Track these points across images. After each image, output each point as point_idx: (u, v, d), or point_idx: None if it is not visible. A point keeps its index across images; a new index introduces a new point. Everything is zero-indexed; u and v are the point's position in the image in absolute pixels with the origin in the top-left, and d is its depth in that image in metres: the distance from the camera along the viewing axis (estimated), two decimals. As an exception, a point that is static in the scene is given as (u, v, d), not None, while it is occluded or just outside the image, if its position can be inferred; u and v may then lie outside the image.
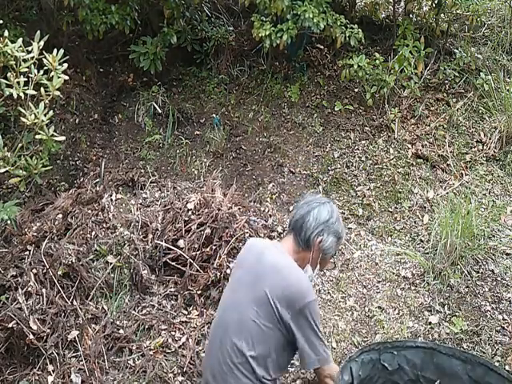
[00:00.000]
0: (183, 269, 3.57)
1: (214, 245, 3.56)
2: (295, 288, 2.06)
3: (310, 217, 2.11)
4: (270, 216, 4.07)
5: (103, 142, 4.85)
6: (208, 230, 3.57)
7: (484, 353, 3.17)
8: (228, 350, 2.07)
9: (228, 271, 3.44)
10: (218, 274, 3.46)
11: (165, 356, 3.22)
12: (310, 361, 2.05)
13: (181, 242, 3.61)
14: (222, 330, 2.17)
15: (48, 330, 3.19)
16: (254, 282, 2.11)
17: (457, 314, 3.39)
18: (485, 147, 4.65)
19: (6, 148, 2.86)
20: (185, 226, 3.65)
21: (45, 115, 2.82)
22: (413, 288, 3.60)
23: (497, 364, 3.11)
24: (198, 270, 3.52)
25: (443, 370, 1.90)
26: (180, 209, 3.79)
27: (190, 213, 3.72)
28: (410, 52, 4.75)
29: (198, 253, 3.55)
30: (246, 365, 2.02)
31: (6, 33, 2.81)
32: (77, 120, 4.86)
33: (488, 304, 3.44)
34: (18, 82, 2.78)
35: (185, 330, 3.35)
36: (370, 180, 4.43)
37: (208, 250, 3.54)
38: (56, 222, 3.74)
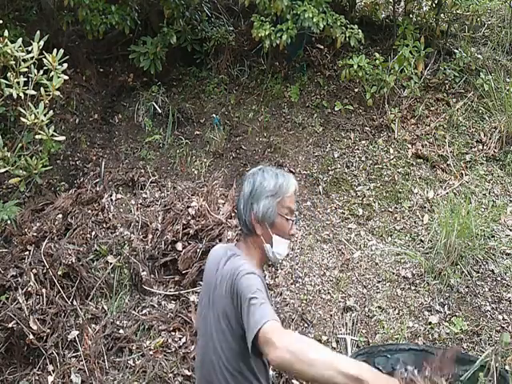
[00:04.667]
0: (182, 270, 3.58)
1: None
2: (231, 275, 1.77)
3: (239, 201, 1.90)
4: (270, 216, 4.06)
5: (103, 141, 4.85)
6: (203, 246, 3.57)
7: (484, 353, 3.16)
8: None
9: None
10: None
11: (165, 356, 3.22)
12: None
13: (179, 245, 3.61)
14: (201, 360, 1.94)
15: (48, 330, 3.20)
16: (211, 301, 1.87)
17: (457, 314, 3.39)
18: (485, 147, 4.65)
19: (5, 148, 2.86)
20: (183, 230, 3.66)
21: (45, 115, 2.82)
22: (413, 288, 3.60)
23: (497, 364, 3.11)
24: (196, 276, 3.53)
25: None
26: (180, 210, 3.80)
27: (189, 217, 3.72)
28: (410, 52, 4.75)
29: (194, 264, 3.57)
30: None
31: (6, 33, 2.81)
32: (77, 120, 4.86)
33: (488, 304, 3.44)
34: (18, 82, 2.78)
35: (184, 330, 3.35)
36: (369, 180, 4.43)
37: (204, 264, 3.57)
38: (56, 222, 3.74)
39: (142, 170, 4.48)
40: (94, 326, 3.35)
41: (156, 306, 3.50)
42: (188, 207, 3.81)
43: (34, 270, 3.38)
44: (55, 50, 2.88)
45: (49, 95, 2.87)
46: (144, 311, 3.46)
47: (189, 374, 3.14)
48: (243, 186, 1.91)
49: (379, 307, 3.49)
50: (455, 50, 5.26)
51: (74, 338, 3.25)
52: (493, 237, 3.84)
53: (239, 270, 1.75)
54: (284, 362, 1.45)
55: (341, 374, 1.39)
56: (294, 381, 3.08)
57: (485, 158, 4.57)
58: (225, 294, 1.77)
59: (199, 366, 1.94)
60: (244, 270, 1.75)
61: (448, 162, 4.54)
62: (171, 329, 3.35)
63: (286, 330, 1.53)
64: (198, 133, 4.94)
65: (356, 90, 5.10)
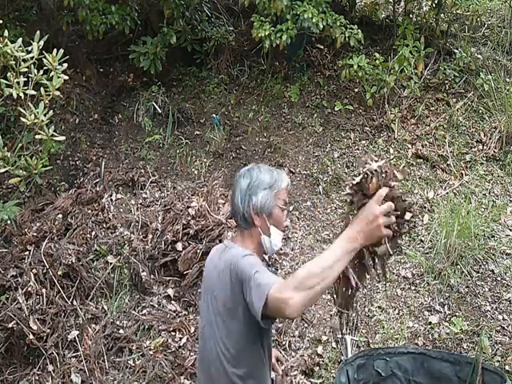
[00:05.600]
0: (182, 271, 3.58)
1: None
2: (229, 261, 1.82)
3: (235, 196, 1.96)
4: (270, 216, 4.06)
5: (103, 141, 4.85)
6: (203, 247, 3.58)
7: (484, 353, 3.17)
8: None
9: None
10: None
11: (165, 356, 3.22)
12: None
13: (179, 245, 3.61)
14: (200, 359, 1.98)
15: (48, 330, 3.20)
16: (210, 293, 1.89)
17: (457, 313, 3.39)
18: (485, 147, 4.65)
19: (5, 148, 2.86)
20: (183, 230, 3.66)
21: (45, 115, 2.82)
22: (413, 288, 3.60)
23: (497, 364, 3.11)
24: (196, 277, 3.54)
25: (433, 373, 1.93)
26: (180, 210, 3.80)
27: (189, 217, 3.72)
28: (410, 52, 4.75)
29: (195, 265, 3.57)
30: None
31: (6, 33, 2.81)
32: (77, 120, 4.86)
33: (488, 304, 3.44)
34: (18, 82, 2.78)
35: (184, 331, 3.35)
36: (369, 180, 4.42)
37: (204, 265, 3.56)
38: (56, 222, 3.74)
39: (142, 170, 4.48)
40: (94, 325, 3.35)
41: (156, 306, 3.50)
42: (188, 207, 3.81)
43: (34, 270, 3.38)
44: (55, 50, 2.88)
45: (49, 95, 2.86)
46: (144, 311, 3.46)
47: (189, 372, 3.14)
48: (239, 182, 1.97)
49: (379, 307, 3.49)
50: (455, 50, 5.26)
51: (74, 338, 3.25)
52: (493, 237, 3.84)
53: (236, 256, 1.80)
54: (301, 305, 1.48)
55: (341, 260, 1.46)
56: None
57: (485, 158, 4.57)
58: (224, 284, 1.80)
59: (200, 363, 1.96)
60: (240, 253, 1.80)
61: (448, 162, 4.54)
62: (171, 329, 3.35)
63: (286, 281, 1.55)
64: (198, 133, 4.94)
65: (356, 90, 5.09)
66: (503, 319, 3.35)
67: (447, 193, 4.28)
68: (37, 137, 2.88)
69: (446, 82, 5.15)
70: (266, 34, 4.54)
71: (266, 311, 1.58)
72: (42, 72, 2.86)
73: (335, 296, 1.58)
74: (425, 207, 4.20)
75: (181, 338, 3.31)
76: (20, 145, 3.02)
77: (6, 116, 4.32)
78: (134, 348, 3.27)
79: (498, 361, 3.14)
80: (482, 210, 4.12)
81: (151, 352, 3.23)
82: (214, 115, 4.95)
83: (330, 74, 5.29)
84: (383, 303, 3.51)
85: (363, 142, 4.72)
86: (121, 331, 3.33)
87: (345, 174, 4.48)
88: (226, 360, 1.81)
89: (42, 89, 2.86)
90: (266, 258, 3.72)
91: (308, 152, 4.69)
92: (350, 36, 4.64)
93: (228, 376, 1.81)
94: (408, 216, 1.49)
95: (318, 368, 3.20)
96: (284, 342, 3.31)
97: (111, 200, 4.03)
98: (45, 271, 3.39)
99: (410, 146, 4.65)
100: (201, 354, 1.96)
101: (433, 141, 4.71)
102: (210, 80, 5.31)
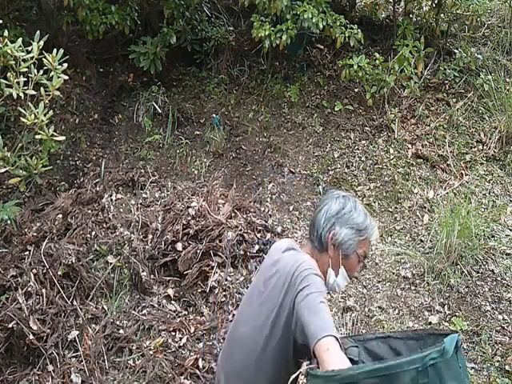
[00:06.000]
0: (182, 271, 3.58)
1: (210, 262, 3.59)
2: (293, 268, 1.79)
3: (320, 215, 1.90)
4: (270, 216, 4.07)
5: (103, 141, 4.85)
6: (203, 247, 3.58)
7: (484, 353, 3.17)
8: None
9: (225, 282, 3.49)
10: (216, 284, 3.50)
11: (165, 356, 3.22)
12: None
13: (179, 245, 3.61)
14: (232, 347, 1.98)
15: (48, 330, 3.19)
16: (263, 291, 1.89)
17: (457, 314, 3.39)
18: (485, 147, 4.65)
19: (5, 148, 2.86)
20: (183, 230, 3.66)
21: (45, 115, 2.82)
22: (413, 288, 3.60)
23: (497, 364, 3.11)
24: (196, 277, 3.54)
25: (400, 352, 1.93)
26: (180, 210, 3.80)
27: (189, 217, 3.72)
28: (410, 52, 4.75)
29: (194, 265, 3.58)
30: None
31: (6, 33, 2.81)
32: (77, 120, 4.86)
33: (488, 304, 3.44)
34: (18, 82, 2.78)
35: (184, 331, 3.35)
36: (369, 180, 4.43)
37: (204, 265, 3.58)
38: (56, 222, 3.74)
39: (142, 170, 4.48)
40: (94, 325, 3.35)
41: (156, 306, 3.50)
42: (188, 207, 3.81)
43: (34, 270, 3.38)
44: (55, 50, 2.88)
45: (49, 95, 2.87)
46: (144, 311, 3.46)
47: (189, 372, 3.14)
48: (328, 201, 1.92)
49: (379, 307, 3.49)
50: (455, 50, 5.27)
51: (74, 338, 3.25)
52: (493, 237, 3.85)
53: (308, 268, 1.75)
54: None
55: None
56: None
57: (485, 158, 4.57)
58: (277, 285, 1.79)
59: (230, 353, 1.96)
60: (312, 268, 1.76)
61: (448, 162, 4.54)
62: (171, 329, 3.35)
63: (338, 355, 1.55)
64: (198, 133, 4.94)
65: (356, 89, 5.10)
66: (503, 319, 3.35)
67: (447, 193, 4.28)
68: (37, 137, 2.88)
69: (446, 82, 5.15)
70: (266, 33, 4.54)
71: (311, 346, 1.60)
72: (41, 72, 2.86)
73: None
74: (425, 207, 4.20)
75: (181, 338, 3.31)
76: (20, 145, 3.02)
77: (6, 116, 4.32)
78: (133, 348, 3.27)
79: (498, 361, 3.14)
80: (482, 210, 4.12)
81: (151, 352, 3.23)
82: (214, 115, 4.95)
83: (330, 73, 5.29)
84: (383, 303, 3.51)
85: (363, 141, 4.72)
86: (121, 331, 3.33)
87: (345, 173, 4.49)
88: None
89: (41, 89, 2.87)
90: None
91: (308, 152, 4.69)
92: (349, 36, 4.64)
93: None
94: None
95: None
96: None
97: (111, 200, 4.03)
98: (45, 271, 3.39)
99: (409, 145, 4.65)
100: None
101: (433, 141, 4.71)
102: (210, 80, 5.31)
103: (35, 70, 2.83)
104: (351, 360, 1.95)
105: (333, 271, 1.87)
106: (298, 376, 1.62)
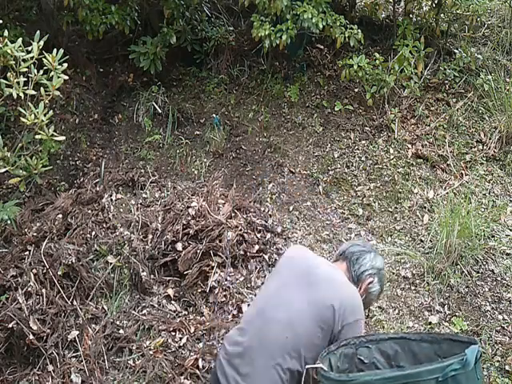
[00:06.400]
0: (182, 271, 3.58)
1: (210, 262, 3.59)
2: (353, 301, 2.12)
3: (367, 257, 2.23)
4: (270, 216, 4.07)
5: (103, 141, 4.85)
6: (203, 247, 3.58)
7: (484, 353, 3.17)
8: (271, 354, 2.04)
9: (225, 282, 3.48)
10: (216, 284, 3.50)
11: (165, 356, 3.22)
12: None
13: (179, 245, 3.61)
14: (264, 324, 2.12)
15: (48, 330, 3.19)
16: (308, 286, 2.13)
17: (457, 314, 3.40)
18: (485, 147, 4.65)
19: (5, 148, 2.86)
20: (183, 230, 3.66)
21: (45, 115, 2.82)
22: (413, 288, 3.60)
23: (497, 364, 3.12)
24: (196, 277, 3.54)
25: (414, 355, 1.93)
26: (180, 210, 3.79)
27: (189, 217, 3.72)
28: (410, 52, 4.75)
29: (194, 265, 3.57)
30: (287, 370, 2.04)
31: (6, 33, 2.81)
32: (77, 120, 4.86)
33: (488, 304, 3.44)
34: (18, 82, 2.78)
35: (184, 331, 3.35)
36: (370, 180, 4.43)
37: (203, 265, 3.58)
38: (56, 222, 3.74)
39: (142, 170, 4.48)
40: (94, 325, 3.34)
41: (156, 306, 3.50)
42: (188, 207, 3.81)
43: (34, 270, 3.38)
44: (55, 50, 2.88)
45: (49, 95, 2.87)
46: (144, 311, 3.46)
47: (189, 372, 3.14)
48: (375, 253, 2.33)
49: (379, 307, 3.49)
50: (455, 50, 5.27)
51: (74, 338, 3.25)
52: (493, 237, 3.85)
53: (358, 308, 2.11)
54: None
55: None
56: None
57: (485, 158, 4.57)
58: (326, 302, 2.06)
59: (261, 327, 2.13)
60: (362, 312, 2.11)
61: (448, 162, 4.54)
62: (171, 329, 3.35)
63: None
64: (198, 133, 4.94)
65: (356, 90, 5.10)
66: (503, 319, 3.35)
67: (447, 193, 4.28)
68: (37, 137, 2.88)
69: (446, 82, 5.15)
70: (266, 33, 4.54)
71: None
72: (41, 72, 2.86)
73: None
74: (425, 207, 4.20)
75: (181, 338, 3.31)
76: (20, 145, 3.02)
77: (6, 116, 4.32)
78: (133, 348, 3.27)
79: (498, 361, 3.14)
80: (482, 210, 4.12)
81: (151, 352, 3.23)
82: (214, 115, 4.95)
83: (330, 73, 5.29)
84: (383, 303, 3.51)
85: (363, 141, 4.72)
86: (121, 331, 3.33)
87: (345, 173, 4.49)
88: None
89: (41, 89, 2.87)
90: (266, 257, 3.72)
91: (308, 152, 4.69)
92: (349, 36, 4.64)
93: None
94: None
95: (318, 368, 3.20)
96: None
97: (111, 200, 4.03)
98: (45, 271, 3.39)
99: (409, 145, 4.65)
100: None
101: (433, 141, 4.71)
102: (210, 80, 5.31)
103: (35, 70, 2.83)
104: (361, 361, 1.96)
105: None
106: (314, 368, 1.68)
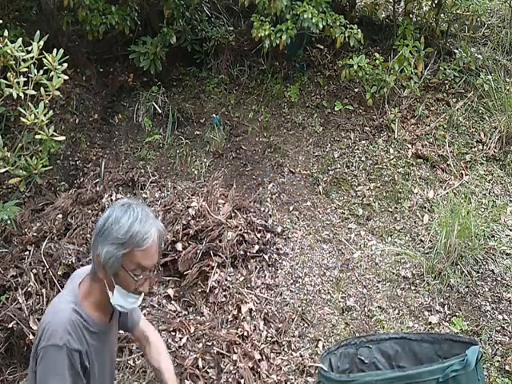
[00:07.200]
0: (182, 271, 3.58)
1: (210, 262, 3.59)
2: (40, 326, 1.72)
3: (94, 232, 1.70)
4: (270, 216, 4.07)
5: (103, 141, 4.85)
6: (203, 247, 3.58)
7: (484, 353, 3.17)
8: None
9: (225, 282, 3.49)
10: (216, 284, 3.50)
11: (165, 356, 3.22)
12: None
13: (179, 245, 3.61)
14: None
15: (48, 330, 3.19)
16: None
17: (457, 314, 3.39)
18: (485, 147, 4.65)
19: (5, 148, 2.86)
20: (183, 230, 3.66)
21: (45, 115, 2.83)
22: (413, 288, 3.60)
23: (497, 364, 3.11)
24: (196, 277, 3.54)
25: (414, 355, 1.93)
26: (180, 210, 3.79)
27: (189, 217, 3.72)
28: (410, 52, 4.75)
29: (194, 265, 3.58)
30: None
31: (6, 33, 2.81)
32: (77, 120, 4.86)
33: (488, 304, 3.44)
34: (18, 82, 2.78)
35: (184, 331, 3.35)
36: (370, 180, 4.43)
37: (203, 265, 3.58)
38: (56, 222, 3.74)
39: (142, 170, 4.48)
40: (93, 326, 3.34)
41: (156, 306, 3.50)
42: (188, 207, 3.81)
43: (34, 270, 3.38)
44: (55, 50, 2.89)
45: (49, 95, 2.87)
46: (144, 311, 3.46)
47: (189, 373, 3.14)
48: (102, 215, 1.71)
49: (379, 307, 3.49)
50: (455, 50, 5.26)
51: (74, 338, 3.25)
52: (493, 237, 3.85)
53: (45, 335, 1.64)
54: None
55: None
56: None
57: (485, 158, 4.57)
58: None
59: None
60: (49, 336, 1.63)
61: (448, 162, 4.54)
62: (171, 329, 3.35)
63: None
64: (198, 133, 4.94)
65: (356, 89, 5.10)
66: (503, 319, 3.35)
67: (447, 193, 4.28)
68: (37, 137, 2.88)
69: (446, 82, 5.15)
70: (266, 33, 4.54)
71: None
72: (41, 72, 2.87)
73: None
74: (425, 207, 4.20)
75: (181, 338, 3.31)
76: (20, 145, 3.03)
77: (6, 116, 4.32)
78: (133, 348, 3.26)
79: (498, 361, 3.14)
80: (482, 210, 4.12)
81: (151, 352, 3.23)
82: (214, 115, 4.95)
83: (330, 73, 5.29)
84: (383, 303, 3.51)
85: (363, 141, 4.72)
86: (121, 331, 3.32)
87: (345, 173, 4.49)
88: None
89: (41, 89, 2.87)
90: (266, 257, 3.72)
91: (308, 152, 4.69)
92: (349, 36, 4.64)
93: None
94: None
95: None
96: (284, 342, 3.31)
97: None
98: (45, 271, 3.39)
99: (409, 145, 4.65)
100: None
101: (433, 141, 4.71)
102: (210, 80, 5.31)
103: (35, 70, 2.83)
104: (362, 361, 1.96)
105: (110, 292, 1.70)
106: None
